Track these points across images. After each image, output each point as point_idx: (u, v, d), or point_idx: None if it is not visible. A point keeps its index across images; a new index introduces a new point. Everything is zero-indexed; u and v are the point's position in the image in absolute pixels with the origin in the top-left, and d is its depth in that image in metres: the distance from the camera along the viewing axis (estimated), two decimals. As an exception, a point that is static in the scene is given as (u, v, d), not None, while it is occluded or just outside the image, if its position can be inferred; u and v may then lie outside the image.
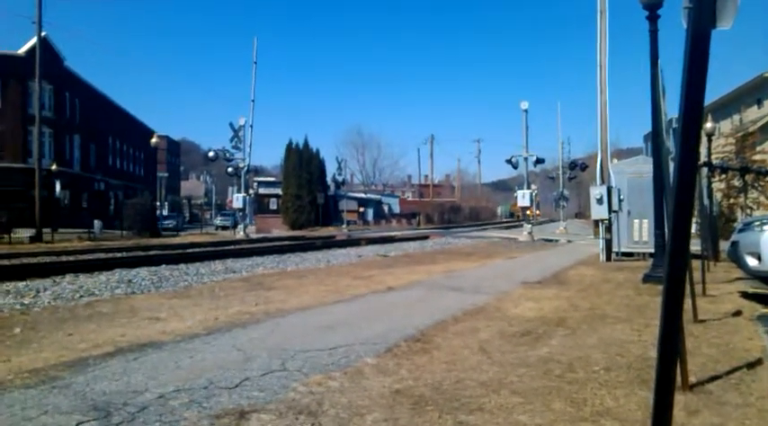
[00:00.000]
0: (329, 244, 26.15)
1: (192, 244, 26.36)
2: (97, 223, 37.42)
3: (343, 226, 54.17)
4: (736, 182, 27.51)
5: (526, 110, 31.52)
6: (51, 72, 44.63)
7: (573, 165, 46.79)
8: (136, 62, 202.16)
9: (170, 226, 46.36)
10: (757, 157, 31.71)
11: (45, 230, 31.58)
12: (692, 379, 4.54)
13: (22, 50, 46.21)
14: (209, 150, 37.86)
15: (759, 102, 41.25)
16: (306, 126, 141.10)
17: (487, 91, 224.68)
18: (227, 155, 36.98)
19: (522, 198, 31.65)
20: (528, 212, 33.54)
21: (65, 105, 52.30)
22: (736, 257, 9.81)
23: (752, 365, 5.10)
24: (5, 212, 29.84)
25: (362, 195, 77.81)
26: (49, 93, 48.57)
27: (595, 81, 17.56)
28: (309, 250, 22.34)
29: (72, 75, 54.21)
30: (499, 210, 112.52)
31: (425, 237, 33.46)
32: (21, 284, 10.84)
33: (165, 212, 53.39)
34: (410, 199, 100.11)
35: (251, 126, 36.82)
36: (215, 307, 8.24)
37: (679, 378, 4.25)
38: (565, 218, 51.96)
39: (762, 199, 28.26)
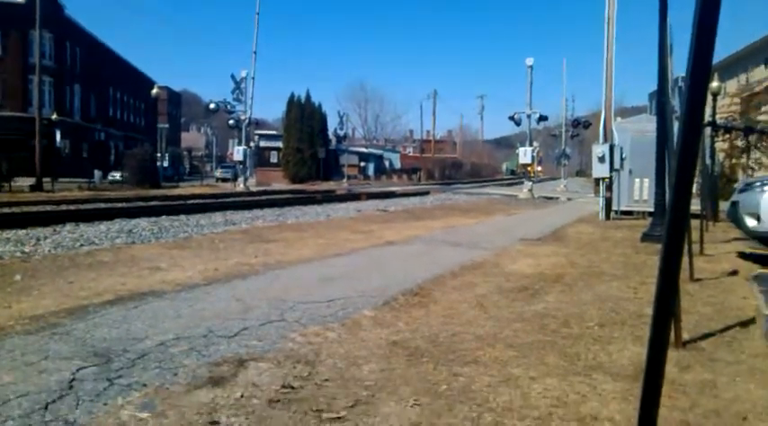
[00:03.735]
0: (329, 198, 26.12)
1: (193, 196, 26.35)
2: (97, 173, 37.40)
3: (344, 180, 54.18)
4: (740, 143, 27.36)
5: (531, 67, 31.16)
6: (52, 20, 44.08)
7: (576, 123, 46.49)
8: (137, 11, 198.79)
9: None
10: (762, 118, 31.45)
11: (45, 179, 31.59)
12: (686, 336, 4.59)
13: (22, -2, 45.55)
14: (211, 102, 37.50)
15: (767, 62, 40.73)
16: (308, 80, 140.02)
17: (492, 47, 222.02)
18: (229, 107, 36.66)
19: (524, 155, 31.53)
20: (529, 169, 33.44)
21: (65, 54, 51.77)
22: (735, 217, 9.80)
23: (745, 324, 5.15)
24: (6, 161, 29.76)
25: (363, 150, 77.46)
26: (50, 41, 48.04)
27: (603, 37, 17.32)
28: (309, 204, 22.33)
29: (73, 23, 53.53)
30: (504, 167, 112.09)
31: (426, 193, 33.44)
32: (21, 232, 10.86)
33: (165, 163, 53.14)
34: (411, 154, 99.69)
35: (253, 78, 36.40)
36: (215, 258, 8.28)
37: (672, 335, 4.30)
38: (566, 176, 51.90)
39: (764, 159, 28.10)
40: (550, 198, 31.49)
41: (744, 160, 26.09)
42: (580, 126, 45.64)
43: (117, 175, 40.31)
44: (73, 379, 3.47)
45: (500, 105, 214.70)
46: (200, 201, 22.07)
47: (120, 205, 18.97)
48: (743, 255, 9.71)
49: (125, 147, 52.92)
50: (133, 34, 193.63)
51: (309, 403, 3.24)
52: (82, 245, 9.56)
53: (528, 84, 31.38)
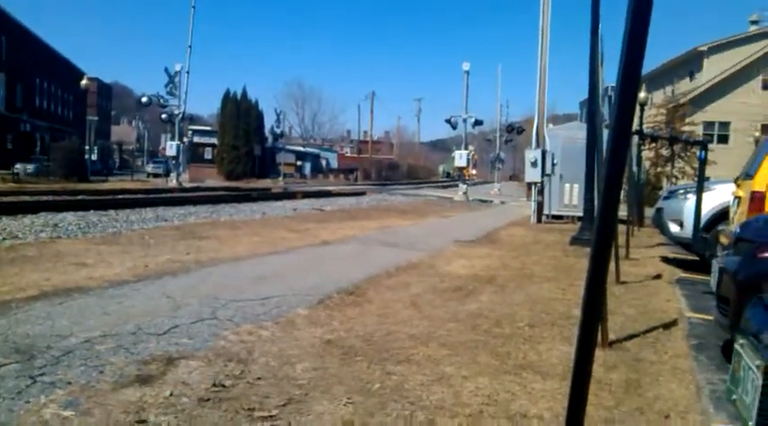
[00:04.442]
0: (265, 196, 25.81)
1: (123, 191, 25.61)
2: (22, 165, 35.80)
3: (280, 178, 53.49)
4: (665, 152, 28.50)
5: (467, 71, 31.54)
6: (-26, 5, 42.03)
7: (510, 128, 47.40)
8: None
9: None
10: (686, 128, 32.84)
11: (-35, 170, 30.12)
12: (612, 337, 4.75)
13: (-57, -20, 43.22)
14: (143, 95, 36.35)
15: (691, 75, 42.50)
16: (245, 76, 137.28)
17: (429, 51, 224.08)
18: (162, 101, 35.68)
19: (460, 158, 31.89)
20: (464, 172, 33.85)
21: (-10, 41, 49.42)
22: (659, 223, 10.21)
23: (668, 325, 5.36)
24: None
25: (300, 148, 76.84)
26: (-27, 27, 45.73)
27: (537, 45, 17.69)
28: (244, 201, 22.01)
29: (-2, 9, 51.13)
30: (440, 169, 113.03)
31: (362, 193, 33.44)
32: (-62, 224, 10.33)
33: (94, 157, 51.39)
34: (349, 154, 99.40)
35: (187, 72, 35.52)
36: (145, 255, 8.07)
37: (599, 336, 4.43)
38: (499, 180, 52.77)
39: (687, 168, 29.38)
40: (485, 201, 31.97)
41: (668, 168, 27.15)
42: (514, 131, 46.56)
43: (29, 167, 36.56)
44: (-7, 377, 3.32)
45: (437, 108, 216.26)
46: (131, 196, 21.44)
47: (45, 198, 18.28)
48: (666, 260, 10.10)
49: (52, 139, 50.67)
50: (63, 23, 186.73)
51: (241, 401, 3.19)
52: (4, 239, 9.16)
53: (464, 88, 31.77)
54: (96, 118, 66.59)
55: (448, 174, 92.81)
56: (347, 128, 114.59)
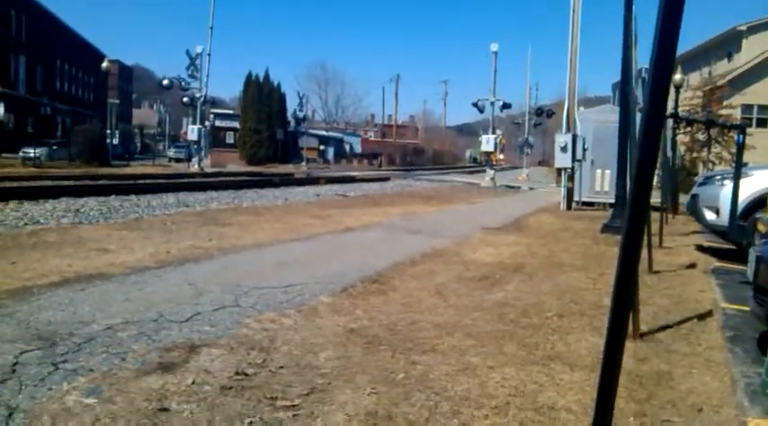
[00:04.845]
0: (287, 181, 25.85)
1: (144, 176, 25.75)
2: (43, 149, 35.90)
3: (303, 163, 53.57)
4: (701, 136, 27.91)
5: (496, 53, 31.16)
6: (-5, -13, 42.16)
7: (539, 112, 46.82)
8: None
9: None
10: (723, 112, 32.09)
11: (-13, 154, 30.23)
12: (643, 328, 4.62)
13: (-35, -37, 43.42)
14: (164, 78, 36.35)
15: (729, 56, 41.53)
16: (267, 58, 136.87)
17: (456, 32, 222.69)
18: (183, 84, 35.67)
19: (487, 143, 31.61)
20: (491, 157, 33.58)
21: (10, 23, 49.24)
22: (694, 210, 9.94)
23: (702, 316, 5.21)
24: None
25: (323, 133, 76.67)
26: (-7, 9, 45.86)
27: (568, 25, 17.37)
28: (266, 186, 22.02)
29: (19, -9, 51.36)
30: (467, 154, 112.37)
31: (386, 179, 33.36)
32: (-37, 209, 10.42)
33: (115, 141, 51.53)
34: (372, 139, 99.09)
35: (209, 55, 35.43)
36: (167, 241, 8.05)
37: (630, 327, 4.30)
38: (528, 166, 52.38)
39: (724, 154, 28.69)
40: (512, 187, 31.75)
41: (704, 154, 26.60)
42: (543, 114, 46.05)
43: (32, 152, 34.03)
44: (16, 363, 3.32)
45: (463, 91, 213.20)
46: (152, 181, 21.53)
47: (66, 183, 18.42)
48: (701, 248, 9.88)
49: (73, 123, 50.70)
50: (84, 5, 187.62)
51: (263, 390, 3.15)
52: (26, 224, 9.22)
53: (492, 70, 31.46)
54: (117, 101, 67.01)
55: (475, 159, 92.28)
56: (371, 112, 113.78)
